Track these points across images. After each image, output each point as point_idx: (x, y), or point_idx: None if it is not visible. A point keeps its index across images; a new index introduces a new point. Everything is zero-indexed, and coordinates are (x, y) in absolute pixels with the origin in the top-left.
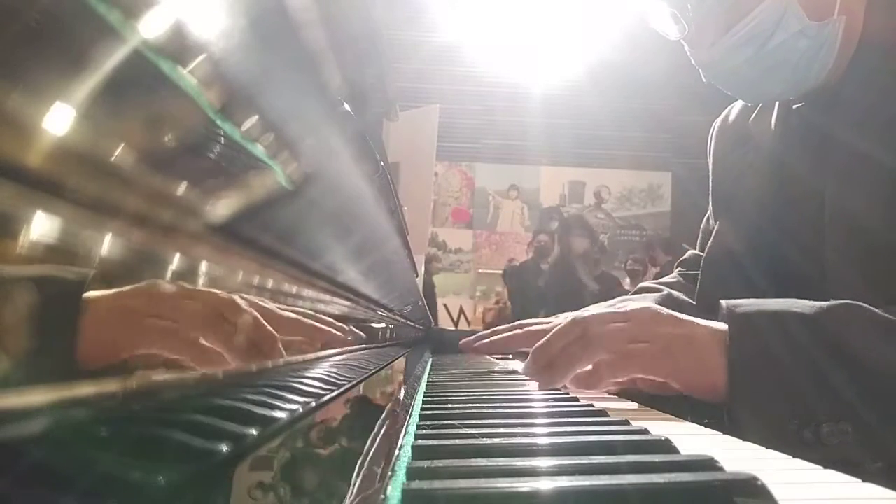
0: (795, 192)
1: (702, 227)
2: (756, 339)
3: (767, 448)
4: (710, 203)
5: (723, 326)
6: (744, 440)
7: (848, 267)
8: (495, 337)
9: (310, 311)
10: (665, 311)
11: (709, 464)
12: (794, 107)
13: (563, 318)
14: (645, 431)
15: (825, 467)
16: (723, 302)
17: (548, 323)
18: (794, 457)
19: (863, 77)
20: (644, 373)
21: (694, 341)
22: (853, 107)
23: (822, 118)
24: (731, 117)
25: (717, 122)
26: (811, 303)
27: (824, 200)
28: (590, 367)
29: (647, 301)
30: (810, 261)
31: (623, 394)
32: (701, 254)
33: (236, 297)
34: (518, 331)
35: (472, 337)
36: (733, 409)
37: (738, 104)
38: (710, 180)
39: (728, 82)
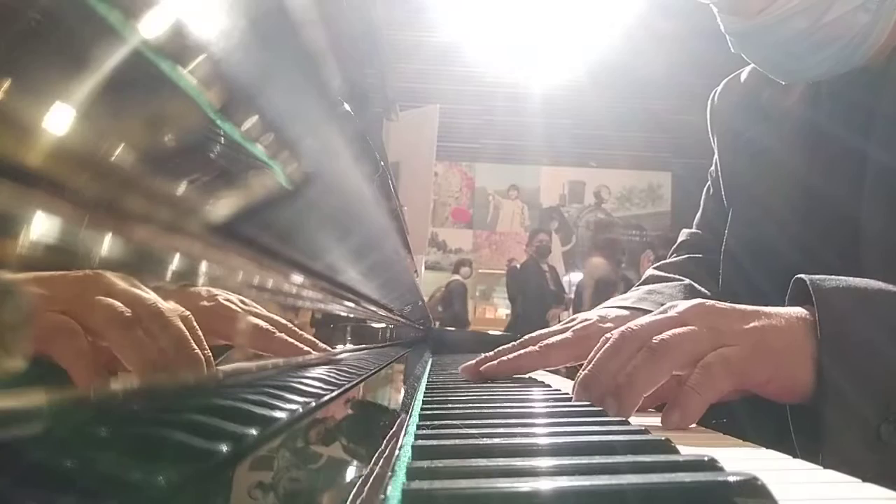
0: (827, 180)
1: (702, 200)
2: (848, 318)
3: (856, 451)
4: (718, 181)
5: (800, 311)
6: (822, 443)
7: (884, 255)
8: (504, 357)
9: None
10: (722, 303)
11: (709, 464)
12: (831, 88)
13: (579, 321)
14: (645, 431)
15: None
16: (804, 277)
17: (564, 330)
18: (882, 460)
19: None
20: (738, 384)
21: (780, 331)
22: None
23: (864, 100)
24: (739, 88)
25: (719, 90)
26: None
27: (862, 188)
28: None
29: (677, 294)
30: (839, 252)
31: None
32: (698, 232)
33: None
34: (532, 347)
35: (474, 361)
36: (818, 406)
37: (745, 73)
38: (716, 155)
39: (766, 56)
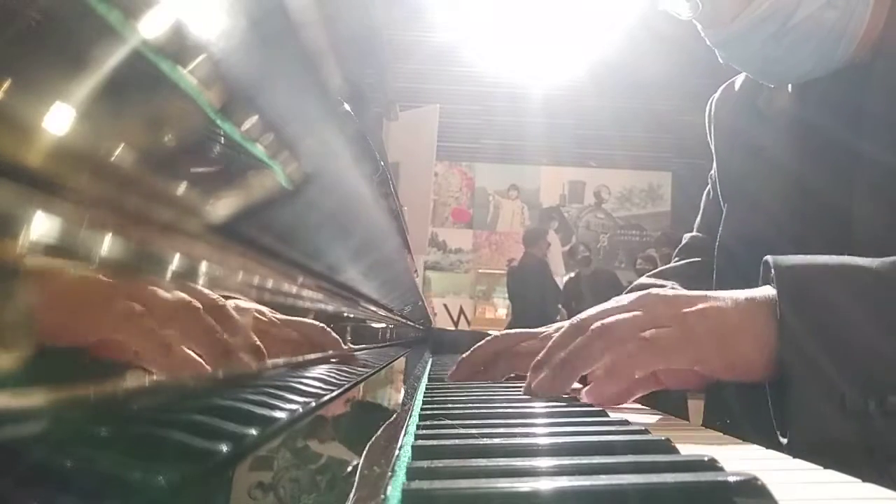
0: (819, 177)
1: (703, 203)
2: (812, 294)
3: (826, 424)
4: (717, 181)
5: (760, 291)
6: (794, 418)
7: (877, 254)
8: (476, 360)
9: (304, 319)
10: (672, 291)
11: (709, 464)
12: (820, 85)
13: (555, 327)
14: (645, 431)
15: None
16: (768, 258)
17: (539, 333)
18: (859, 435)
19: None
20: (667, 362)
21: (724, 312)
22: (890, 83)
23: (852, 97)
24: (734, 93)
25: (716, 96)
26: (869, 259)
27: (852, 180)
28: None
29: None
30: (833, 249)
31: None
32: (699, 234)
33: (224, 302)
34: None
35: (455, 367)
36: (786, 380)
37: (740, 79)
38: (715, 159)
39: (748, 62)
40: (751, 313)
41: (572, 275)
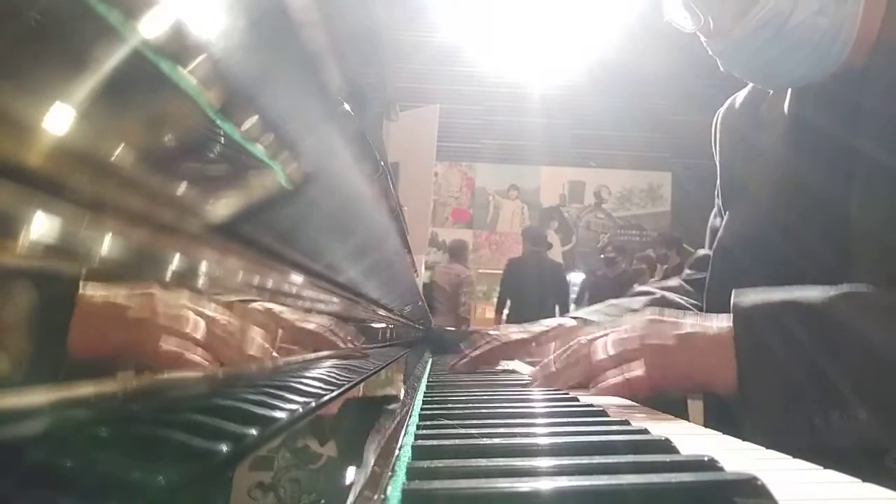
0: (816, 175)
1: (709, 225)
2: (759, 334)
3: (783, 436)
4: (719, 195)
5: (730, 322)
6: (760, 430)
7: (875, 250)
8: (476, 353)
9: (312, 318)
10: (662, 318)
11: (709, 464)
12: (817, 88)
13: (544, 326)
14: (645, 431)
15: (840, 456)
16: (733, 293)
17: (528, 333)
18: (810, 443)
19: (893, 52)
20: (666, 378)
21: (702, 340)
22: (885, 83)
23: (848, 97)
24: (737, 106)
25: (721, 111)
26: (819, 292)
27: (850, 181)
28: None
29: (637, 306)
30: (831, 246)
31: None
32: (710, 252)
33: (221, 310)
34: (496, 343)
35: (459, 359)
36: (745, 403)
37: (742, 94)
38: (718, 171)
39: (747, 68)
40: (719, 343)
41: (585, 274)
